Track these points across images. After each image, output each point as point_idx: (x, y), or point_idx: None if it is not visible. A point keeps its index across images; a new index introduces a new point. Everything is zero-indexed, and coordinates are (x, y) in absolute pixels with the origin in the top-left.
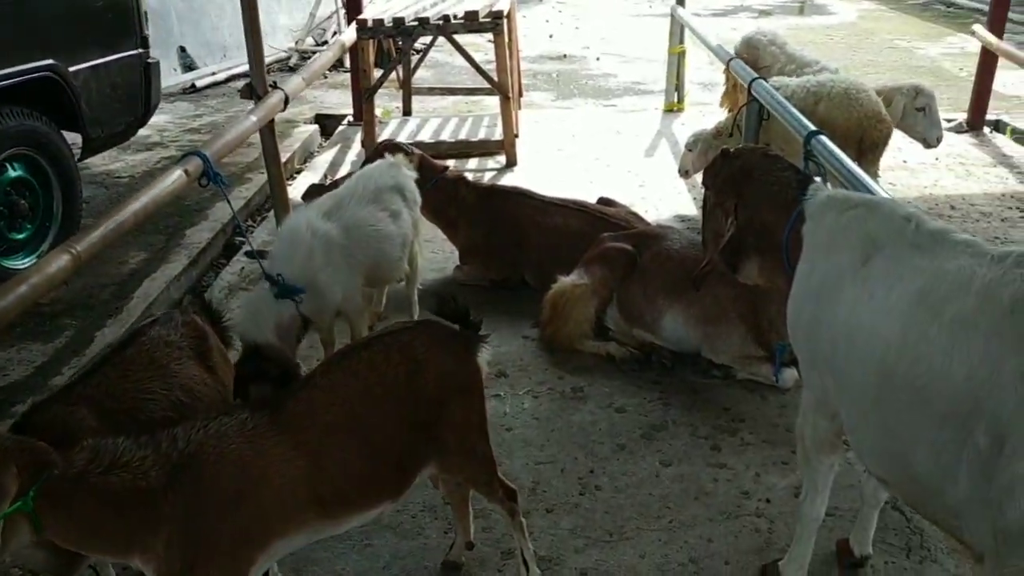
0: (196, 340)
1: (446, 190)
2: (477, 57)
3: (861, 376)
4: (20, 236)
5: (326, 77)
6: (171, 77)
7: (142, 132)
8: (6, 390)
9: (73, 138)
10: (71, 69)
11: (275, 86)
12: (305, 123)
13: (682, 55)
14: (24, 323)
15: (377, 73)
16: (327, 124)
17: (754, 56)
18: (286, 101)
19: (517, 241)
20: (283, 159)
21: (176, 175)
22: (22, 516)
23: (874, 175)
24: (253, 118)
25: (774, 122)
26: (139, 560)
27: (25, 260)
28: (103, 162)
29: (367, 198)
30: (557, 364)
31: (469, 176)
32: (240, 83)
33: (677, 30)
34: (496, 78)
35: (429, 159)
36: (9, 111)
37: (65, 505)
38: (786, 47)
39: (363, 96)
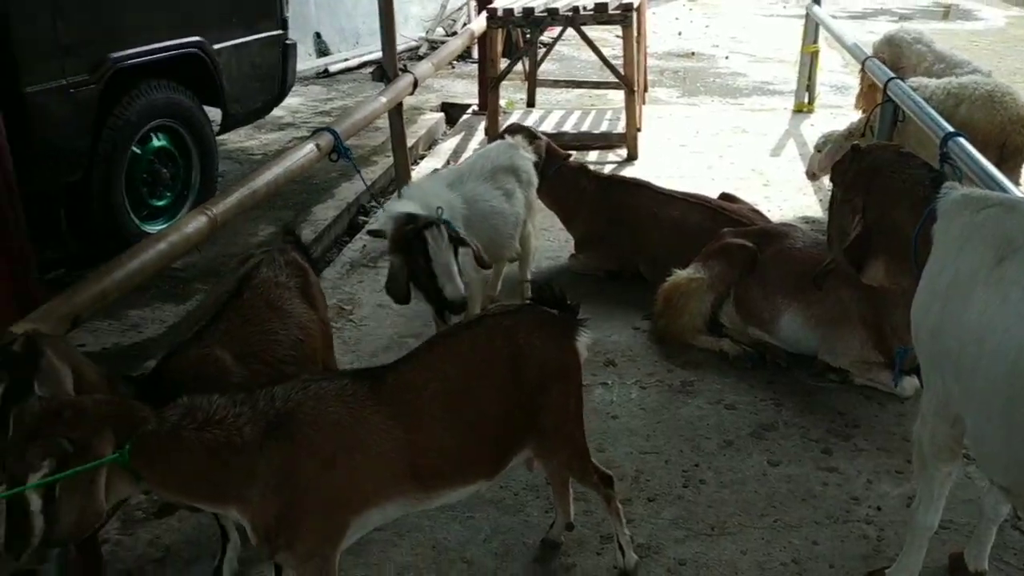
0: (300, 279)
1: (567, 178)
2: (604, 52)
3: (990, 380)
4: (160, 203)
5: (453, 67)
6: (306, 61)
7: (276, 112)
8: (140, 346)
9: (213, 114)
10: (216, 47)
11: (405, 70)
12: (431, 111)
13: (815, 55)
14: (159, 285)
15: (504, 63)
16: (452, 112)
17: (895, 55)
18: (415, 85)
19: (634, 233)
20: (408, 144)
21: (308, 149)
22: (122, 469)
23: (1015, 183)
24: (383, 99)
25: (909, 124)
26: (236, 510)
27: (163, 226)
28: (238, 139)
29: (484, 175)
30: (667, 357)
31: (590, 167)
32: (371, 70)
33: (812, 29)
34: (622, 72)
35: (554, 146)
36: (158, 84)
37: (161, 459)
38: (933, 45)
39: (489, 85)
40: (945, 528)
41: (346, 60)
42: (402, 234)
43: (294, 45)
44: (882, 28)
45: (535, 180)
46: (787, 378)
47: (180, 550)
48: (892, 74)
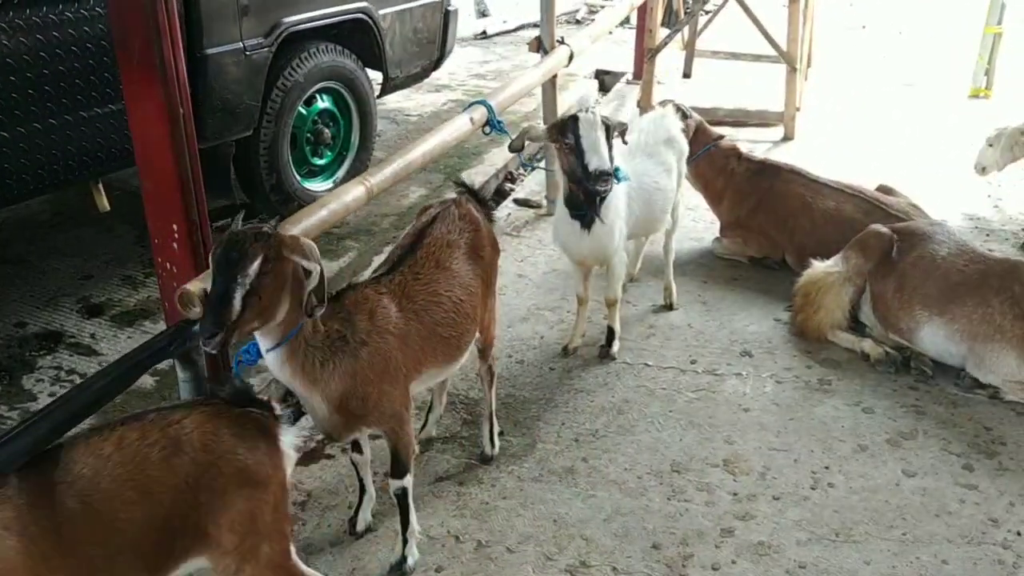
0: (471, 233)
1: (717, 160)
2: (769, 23)
3: None
4: (321, 162)
5: (611, 33)
6: (465, 23)
7: (433, 74)
8: None
9: (373, 77)
10: (380, 12)
11: (562, 41)
12: (584, 77)
13: (998, 37)
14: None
15: (662, 34)
16: (605, 80)
17: None
18: (571, 57)
19: (783, 220)
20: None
21: (462, 122)
22: None
23: None
24: (538, 72)
25: None
26: None
27: (323, 183)
28: (395, 100)
29: (648, 151)
30: (806, 352)
31: (743, 147)
32: (528, 33)
33: (997, 8)
34: (785, 47)
35: (705, 126)
36: (325, 47)
37: None
38: None
39: (646, 56)
40: None
41: (504, 23)
42: (560, 119)
43: (455, 12)
44: None
45: (686, 148)
46: (931, 387)
47: (321, 496)
48: None
